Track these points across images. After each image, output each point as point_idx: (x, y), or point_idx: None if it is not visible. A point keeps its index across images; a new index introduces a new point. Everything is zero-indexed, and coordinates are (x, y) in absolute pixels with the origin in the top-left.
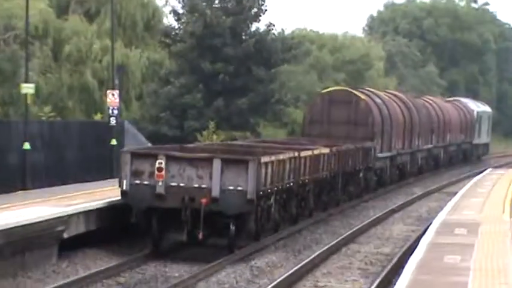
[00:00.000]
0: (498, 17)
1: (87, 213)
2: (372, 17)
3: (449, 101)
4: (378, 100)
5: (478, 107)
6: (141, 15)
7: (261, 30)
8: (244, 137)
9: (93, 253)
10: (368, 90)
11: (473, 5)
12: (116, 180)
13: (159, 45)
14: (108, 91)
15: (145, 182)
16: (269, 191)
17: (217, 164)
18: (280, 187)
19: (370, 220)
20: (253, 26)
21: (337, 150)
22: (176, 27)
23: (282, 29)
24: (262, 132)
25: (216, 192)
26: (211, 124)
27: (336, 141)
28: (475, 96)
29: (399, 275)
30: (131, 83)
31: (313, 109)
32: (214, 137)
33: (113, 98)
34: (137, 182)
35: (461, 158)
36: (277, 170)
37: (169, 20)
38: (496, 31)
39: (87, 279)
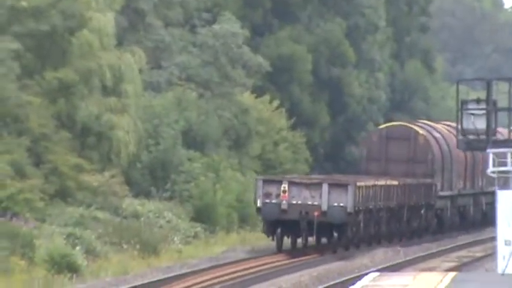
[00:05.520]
0: None
1: None
2: None
3: None
4: (436, 134)
5: None
6: None
7: None
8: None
9: None
10: (425, 124)
11: None
12: None
13: None
14: None
15: (274, 201)
16: (360, 208)
17: (325, 187)
18: (365, 207)
19: None
20: None
21: (403, 183)
22: None
23: None
24: None
25: (324, 207)
26: None
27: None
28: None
29: None
30: None
31: (369, 146)
32: None
33: None
34: (267, 201)
35: None
36: (365, 193)
37: None
38: None
39: None
